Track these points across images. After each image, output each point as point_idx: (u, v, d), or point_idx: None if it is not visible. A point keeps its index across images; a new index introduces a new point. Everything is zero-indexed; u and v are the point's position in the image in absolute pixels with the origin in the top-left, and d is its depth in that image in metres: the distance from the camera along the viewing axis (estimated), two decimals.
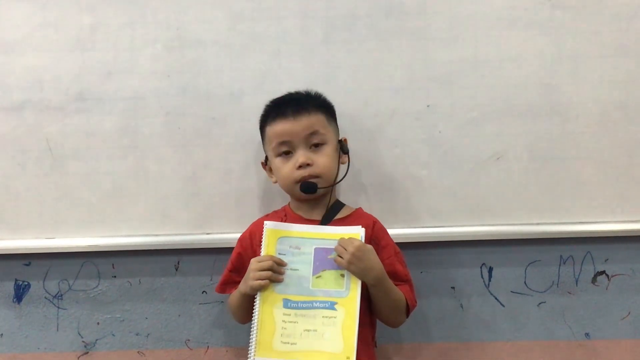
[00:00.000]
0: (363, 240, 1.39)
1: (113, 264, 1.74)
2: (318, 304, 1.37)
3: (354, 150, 1.62)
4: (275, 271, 1.37)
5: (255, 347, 1.35)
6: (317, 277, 1.39)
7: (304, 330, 1.36)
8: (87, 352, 1.76)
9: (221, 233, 1.66)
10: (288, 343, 1.35)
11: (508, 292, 1.73)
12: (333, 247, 1.39)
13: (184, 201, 1.69)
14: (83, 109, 1.68)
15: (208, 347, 1.76)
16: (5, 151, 1.69)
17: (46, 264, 1.74)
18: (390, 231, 1.59)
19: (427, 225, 1.67)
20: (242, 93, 1.65)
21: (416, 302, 1.50)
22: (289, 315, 1.37)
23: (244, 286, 1.42)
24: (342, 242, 1.38)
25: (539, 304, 1.73)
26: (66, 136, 1.68)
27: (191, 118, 1.67)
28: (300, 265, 1.39)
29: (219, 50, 1.66)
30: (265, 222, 1.41)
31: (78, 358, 1.76)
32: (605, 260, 1.71)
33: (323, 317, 1.36)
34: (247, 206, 1.67)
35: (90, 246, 1.69)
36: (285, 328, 1.36)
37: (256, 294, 1.38)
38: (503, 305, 1.73)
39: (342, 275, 1.38)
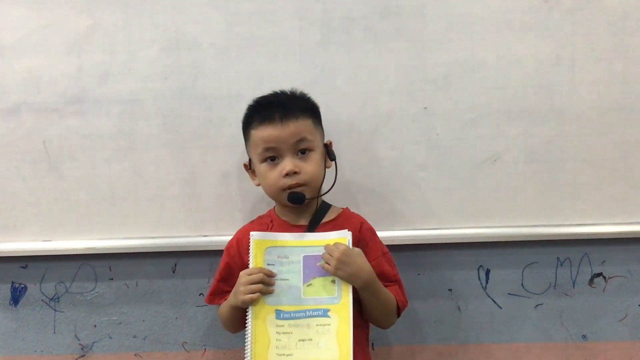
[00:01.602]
0: (350, 244, 1.38)
1: (110, 267, 1.74)
2: (311, 312, 1.36)
3: (350, 152, 1.63)
4: (266, 283, 1.36)
5: None
6: (307, 286, 1.37)
7: (299, 341, 1.34)
8: (84, 355, 1.76)
9: (218, 235, 1.66)
10: (284, 355, 1.34)
11: (505, 294, 1.73)
12: (321, 254, 1.37)
13: (181, 203, 1.68)
14: (80, 111, 1.67)
15: (205, 349, 1.76)
16: (2, 153, 1.68)
17: (43, 266, 1.74)
18: (388, 233, 1.60)
19: (424, 227, 1.67)
20: (240, 95, 1.65)
21: (407, 301, 1.49)
22: (283, 326, 1.35)
23: (234, 299, 1.40)
24: (328, 249, 1.37)
25: (536, 305, 1.73)
26: (63, 138, 1.68)
27: (188, 120, 1.67)
28: (289, 274, 1.37)
29: (216, 53, 1.66)
30: (251, 232, 1.39)
31: None
32: (602, 262, 1.72)
33: (317, 325, 1.35)
34: (244, 208, 1.68)
35: (87, 248, 1.69)
36: (279, 340, 1.34)
37: (247, 308, 1.36)
38: (500, 307, 1.73)
39: (333, 282, 1.36)
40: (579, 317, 1.73)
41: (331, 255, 1.35)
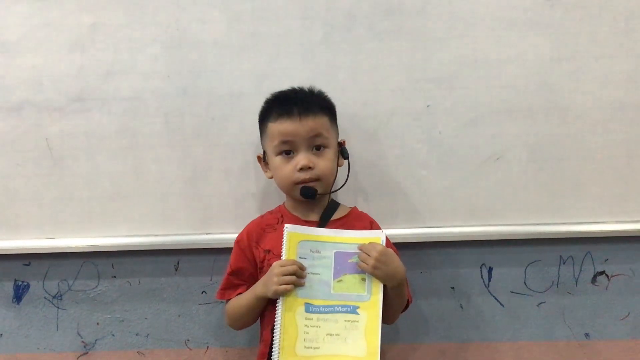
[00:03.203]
0: (384, 244, 1.39)
1: (113, 264, 1.74)
2: (340, 308, 1.37)
3: (353, 150, 1.62)
4: (298, 275, 1.36)
5: (279, 352, 1.34)
6: (338, 281, 1.38)
7: (327, 335, 1.35)
8: (87, 353, 1.76)
9: (221, 233, 1.66)
10: (311, 348, 1.35)
11: (508, 292, 1.73)
12: (353, 251, 1.39)
13: (184, 201, 1.69)
14: (82, 109, 1.67)
15: (208, 347, 1.76)
16: (5, 151, 1.69)
17: (46, 264, 1.75)
18: (390, 231, 1.59)
19: (426, 225, 1.67)
20: (242, 93, 1.65)
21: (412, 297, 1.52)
22: (311, 319, 1.36)
23: (262, 290, 1.40)
24: (365, 248, 1.37)
25: (539, 304, 1.73)
26: (66, 136, 1.68)
27: (191, 118, 1.67)
28: (320, 269, 1.38)
29: (219, 51, 1.66)
30: (285, 225, 1.40)
31: (77, 358, 1.76)
32: (605, 261, 1.71)
33: (345, 321, 1.36)
34: (246, 206, 1.68)
35: (89, 246, 1.69)
36: (307, 333, 1.35)
37: (278, 298, 1.37)
38: (503, 306, 1.73)
39: (364, 279, 1.38)
40: (581, 316, 1.72)
41: (368, 254, 1.36)
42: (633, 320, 1.72)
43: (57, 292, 1.76)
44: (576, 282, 1.72)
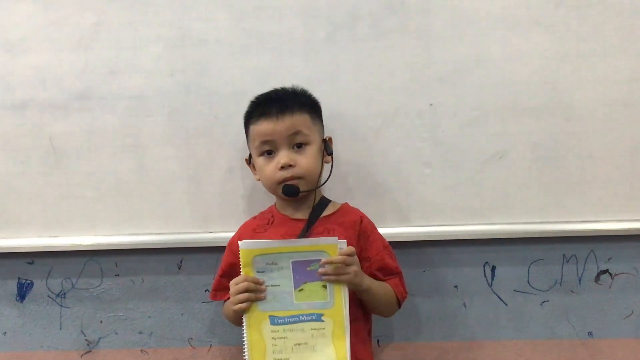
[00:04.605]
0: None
1: (116, 263, 1.75)
2: (304, 317, 1.37)
3: (356, 149, 1.63)
4: (252, 290, 1.36)
5: None
6: (299, 291, 1.37)
7: (295, 345, 1.36)
8: (90, 351, 1.77)
9: (224, 232, 1.66)
10: (281, 359, 1.36)
11: (511, 291, 1.72)
12: (310, 259, 1.37)
13: (187, 200, 1.69)
14: (86, 107, 1.68)
15: (211, 345, 1.76)
16: (8, 150, 1.69)
17: (49, 262, 1.75)
18: (393, 230, 1.60)
19: (429, 224, 1.67)
20: (245, 92, 1.64)
21: (407, 293, 1.52)
22: (277, 331, 1.37)
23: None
24: (348, 260, 1.35)
25: (542, 302, 1.72)
26: (69, 135, 1.68)
27: (194, 117, 1.67)
28: (280, 280, 1.37)
29: (222, 49, 1.66)
30: (239, 242, 1.39)
31: (81, 356, 1.77)
32: (609, 259, 1.71)
33: (312, 329, 1.36)
34: (249, 205, 1.68)
35: (93, 245, 1.69)
36: (275, 345, 1.36)
37: (243, 316, 1.38)
38: (506, 304, 1.73)
39: (325, 287, 1.37)
40: (584, 314, 1.72)
41: (347, 264, 1.35)
42: (636, 319, 1.71)
43: (61, 291, 1.76)
44: (579, 280, 1.72)
